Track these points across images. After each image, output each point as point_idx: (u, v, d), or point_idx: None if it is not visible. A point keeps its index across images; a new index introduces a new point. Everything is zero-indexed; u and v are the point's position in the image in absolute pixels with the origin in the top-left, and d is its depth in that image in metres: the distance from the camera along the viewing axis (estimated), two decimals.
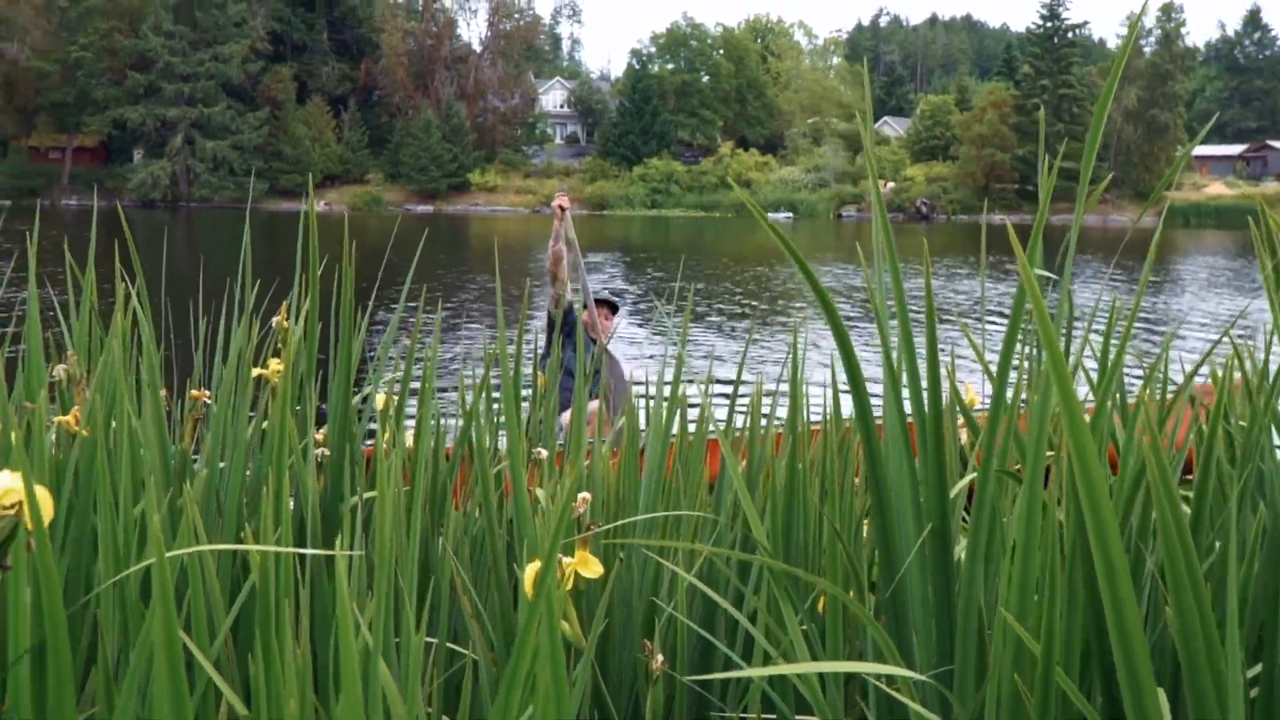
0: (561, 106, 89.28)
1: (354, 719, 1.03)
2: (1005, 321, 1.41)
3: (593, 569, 1.37)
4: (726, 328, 19.67)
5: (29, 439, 1.62)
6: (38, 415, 1.64)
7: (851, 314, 21.68)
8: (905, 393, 1.43)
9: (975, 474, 1.38)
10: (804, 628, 1.43)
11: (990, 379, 1.81)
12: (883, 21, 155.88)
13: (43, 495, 0.88)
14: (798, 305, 23.96)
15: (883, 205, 1.48)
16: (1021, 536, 1.28)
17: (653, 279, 28.96)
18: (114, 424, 1.68)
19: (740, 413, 2.52)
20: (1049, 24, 75.23)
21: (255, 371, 2.28)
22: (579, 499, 1.52)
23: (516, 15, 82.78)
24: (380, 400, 2.33)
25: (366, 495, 1.99)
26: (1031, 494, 1.29)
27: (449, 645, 1.79)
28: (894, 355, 1.48)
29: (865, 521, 1.88)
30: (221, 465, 1.89)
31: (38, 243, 2.13)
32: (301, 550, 1.09)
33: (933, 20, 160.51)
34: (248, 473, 1.83)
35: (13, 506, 0.88)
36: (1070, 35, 75.47)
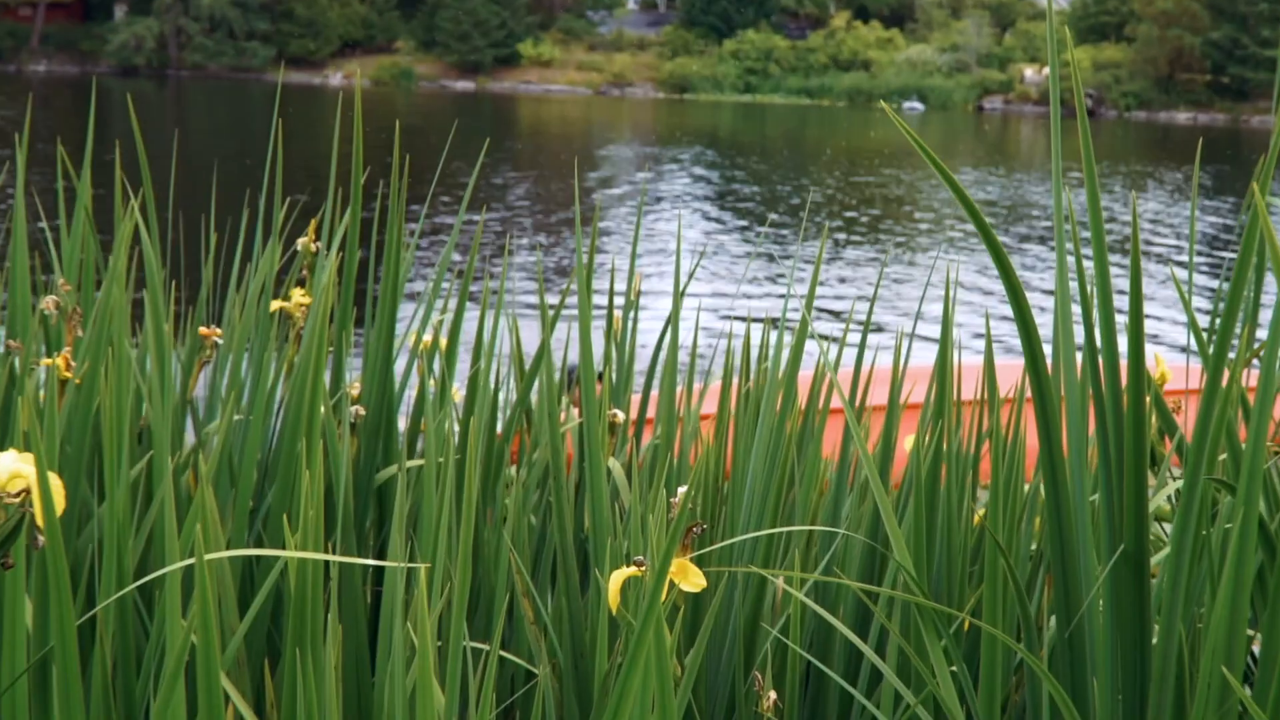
0: None
1: None
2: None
3: (694, 581, 1.37)
4: (840, 252, 19.53)
5: (11, 385, 1.65)
6: (24, 358, 1.67)
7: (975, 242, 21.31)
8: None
9: (1180, 482, 1.35)
10: (953, 669, 1.43)
11: (1200, 343, 1.76)
12: None
13: (55, 483, 0.89)
14: (918, 222, 23.73)
15: (1084, 107, 1.42)
16: (1233, 567, 1.26)
17: (747, 183, 28.81)
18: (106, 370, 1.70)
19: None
20: None
21: (275, 304, 2.30)
22: (676, 495, 1.50)
23: None
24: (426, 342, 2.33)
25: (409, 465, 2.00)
26: (1248, 510, 1.27)
27: (503, 655, 1.79)
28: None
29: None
30: (237, 418, 1.92)
31: (25, 128, 2.16)
32: (351, 560, 1.10)
33: None
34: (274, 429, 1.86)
35: (19, 495, 0.90)
36: None
